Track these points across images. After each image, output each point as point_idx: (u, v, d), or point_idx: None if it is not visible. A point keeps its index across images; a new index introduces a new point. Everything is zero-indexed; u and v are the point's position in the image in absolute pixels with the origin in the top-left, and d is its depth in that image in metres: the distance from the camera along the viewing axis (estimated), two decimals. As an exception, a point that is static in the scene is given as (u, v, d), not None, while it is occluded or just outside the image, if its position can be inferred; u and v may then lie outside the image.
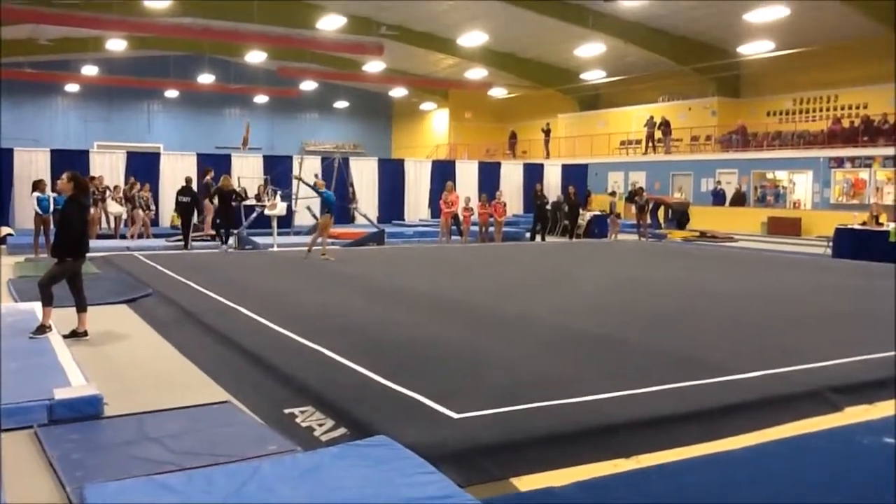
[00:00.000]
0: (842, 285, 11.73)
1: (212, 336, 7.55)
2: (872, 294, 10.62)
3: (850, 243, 16.74)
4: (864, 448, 4.65)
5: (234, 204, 16.92)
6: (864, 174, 23.12)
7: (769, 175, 26.48)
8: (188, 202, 16.90)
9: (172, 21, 28.03)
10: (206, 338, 7.56)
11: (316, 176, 16.35)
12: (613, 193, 23.87)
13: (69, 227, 7.31)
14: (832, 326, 8.30)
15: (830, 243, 17.51)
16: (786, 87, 27.42)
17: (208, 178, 18.26)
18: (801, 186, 25.37)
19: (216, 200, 16.85)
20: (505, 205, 21.05)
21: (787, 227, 22.79)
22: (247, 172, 21.34)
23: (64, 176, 7.50)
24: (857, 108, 25.21)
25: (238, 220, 17.45)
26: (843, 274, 13.32)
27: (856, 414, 5.33)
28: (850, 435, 4.88)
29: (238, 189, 18.06)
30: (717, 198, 26.55)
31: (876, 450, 4.60)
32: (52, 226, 13.23)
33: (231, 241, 16.54)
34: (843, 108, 25.92)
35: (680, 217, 25.11)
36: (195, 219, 17.45)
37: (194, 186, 17.55)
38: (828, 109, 26.49)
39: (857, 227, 17.37)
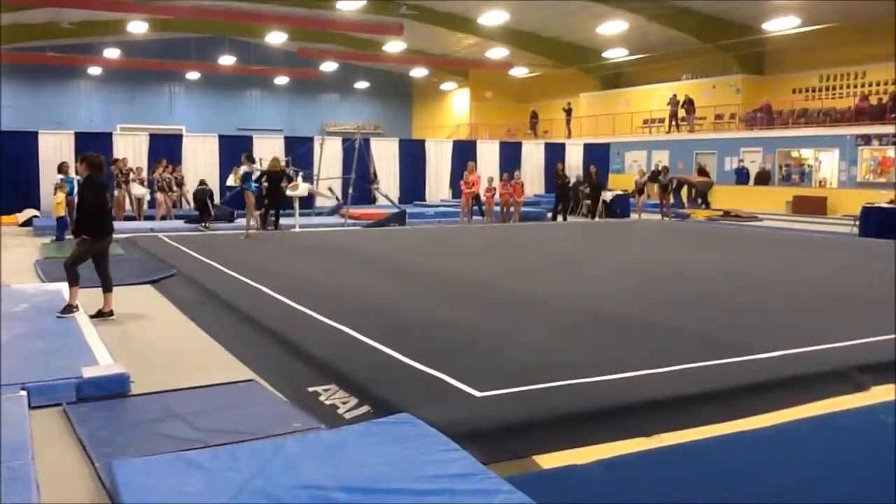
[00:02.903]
0: (868, 264, 11.58)
1: (235, 316, 7.62)
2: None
3: (876, 222, 16.51)
4: (890, 427, 4.60)
5: (282, 185, 16.85)
6: (891, 152, 22.73)
7: (794, 153, 26.14)
8: (206, 187, 17.10)
9: (193, 3, 28.07)
10: (230, 317, 7.62)
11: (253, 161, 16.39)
12: (654, 172, 23.30)
13: (82, 205, 7.47)
14: (858, 306, 8.20)
15: (857, 222, 17.29)
16: (812, 64, 26.98)
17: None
18: (828, 165, 25.02)
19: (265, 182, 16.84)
20: (523, 185, 20.96)
21: (813, 206, 22.52)
22: (267, 154, 21.36)
23: (78, 159, 7.63)
24: (886, 84, 24.74)
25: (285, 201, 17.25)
26: (870, 253, 13.15)
27: (882, 393, 5.27)
28: (877, 414, 4.83)
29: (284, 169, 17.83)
30: (741, 177, 26.26)
31: (903, 429, 4.55)
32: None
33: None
34: (870, 85, 25.47)
35: (703, 196, 24.92)
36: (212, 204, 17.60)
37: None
38: (855, 86, 26.05)
39: (884, 205, 17.13)
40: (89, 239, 7.41)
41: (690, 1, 26.00)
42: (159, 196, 18.32)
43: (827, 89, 27.07)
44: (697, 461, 4.09)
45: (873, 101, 24.28)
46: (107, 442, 4.27)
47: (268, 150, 21.46)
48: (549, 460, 4.11)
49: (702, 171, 25.98)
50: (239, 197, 19.33)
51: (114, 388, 5.13)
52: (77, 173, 12.24)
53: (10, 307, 7.47)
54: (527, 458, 4.14)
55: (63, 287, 7.94)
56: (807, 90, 27.68)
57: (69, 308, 7.24)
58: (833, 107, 25.81)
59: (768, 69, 29.26)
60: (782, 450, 4.21)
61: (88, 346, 6.05)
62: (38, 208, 18.17)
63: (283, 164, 17.91)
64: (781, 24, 23.88)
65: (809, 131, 25.16)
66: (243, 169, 15.84)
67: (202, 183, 17.75)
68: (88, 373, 5.19)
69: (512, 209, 20.39)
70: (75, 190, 14.25)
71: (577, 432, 4.40)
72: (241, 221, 17.72)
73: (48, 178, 17.89)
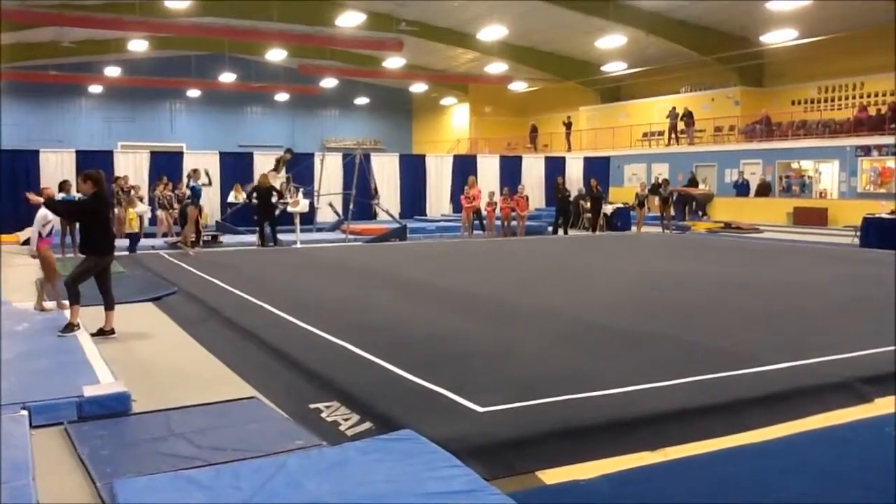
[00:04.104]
0: (870, 275, 11.56)
1: (237, 333, 7.60)
2: (902, 283, 10.45)
3: (878, 233, 16.52)
4: (894, 439, 4.58)
5: (273, 201, 16.90)
6: (891, 162, 22.76)
7: (794, 165, 26.17)
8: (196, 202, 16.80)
9: (193, 21, 28.22)
10: (232, 334, 7.61)
11: (195, 171, 16.50)
12: (654, 185, 23.44)
13: (79, 216, 7.57)
14: (861, 316, 8.18)
15: (858, 233, 17.29)
16: (810, 76, 27.06)
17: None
18: (828, 176, 25.05)
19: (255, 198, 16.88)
20: (527, 199, 20.99)
21: (814, 217, 22.52)
22: (268, 170, 21.42)
23: (79, 178, 7.64)
24: (884, 95, 24.80)
25: (276, 217, 17.32)
26: (872, 263, 13.13)
27: (886, 405, 5.25)
28: (881, 426, 4.81)
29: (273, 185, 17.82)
30: (741, 189, 26.25)
31: (908, 441, 4.53)
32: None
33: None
34: (869, 96, 25.53)
35: (703, 208, 24.96)
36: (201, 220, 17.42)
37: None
38: (854, 97, 26.12)
39: (885, 216, 17.12)
40: (94, 257, 7.42)
41: (690, 0, 26.10)
42: (160, 213, 18.34)
43: (825, 100, 27.13)
44: (702, 474, 4.06)
45: (872, 111, 24.34)
46: (108, 461, 4.25)
47: (268, 166, 21.60)
48: (552, 476, 4.09)
49: (692, 182, 26.06)
50: (241, 213, 19.44)
51: (115, 407, 5.12)
52: (78, 191, 12.28)
53: (11, 326, 7.48)
54: (530, 473, 4.12)
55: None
56: (805, 102, 27.74)
57: (70, 326, 7.24)
58: (832, 118, 25.86)
59: (767, 81, 29.35)
60: (787, 462, 4.19)
61: (90, 365, 6.04)
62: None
63: (276, 180, 17.89)
64: (779, 37, 23.95)
65: (809, 143, 25.21)
66: (192, 182, 15.85)
67: (189, 198, 17.41)
68: (90, 391, 5.17)
69: (514, 223, 20.41)
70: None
71: (580, 447, 4.39)
72: (239, 238, 17.78)
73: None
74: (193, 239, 15.54)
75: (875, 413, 5.08)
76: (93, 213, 7.46)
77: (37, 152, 19.76)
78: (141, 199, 18.62)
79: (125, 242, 15.08)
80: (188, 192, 16.19)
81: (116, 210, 17.29)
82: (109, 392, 5.22)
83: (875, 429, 4.77)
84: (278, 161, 18.59)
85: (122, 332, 7.60)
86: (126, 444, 4.62)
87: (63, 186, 14.90)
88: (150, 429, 4.85)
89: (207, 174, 16.39)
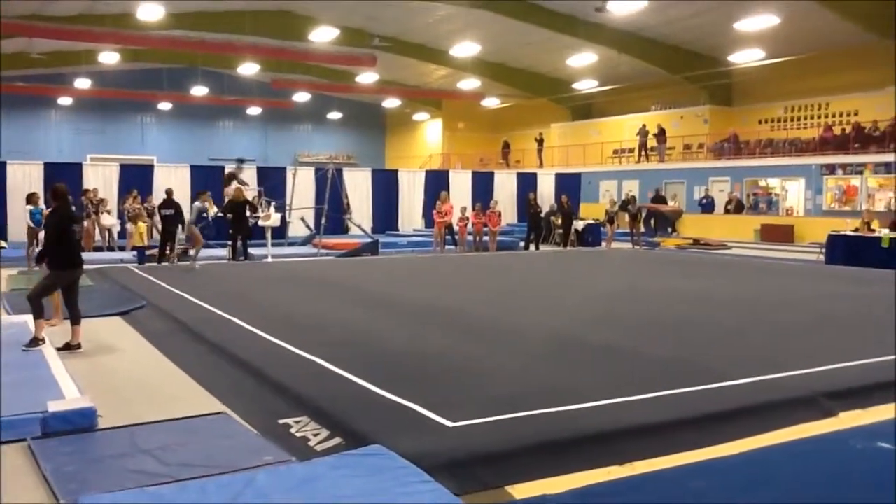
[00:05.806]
0: (835, 291, 11.76)
1: (206, 347, 7.54)
2: (865, 299, 10.66)
3: (842, 250, 16.80)
4: (858, 453, 4.66)
5: (248, 215, 16.81)
6: (855, 181, 23.23)
7: (762, 182, 26.59)
8: (171, 215, 16.34)
9: (165, 34, 28.05)
10: (201, 349, 7.54)
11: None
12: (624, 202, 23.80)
13: (47, 237, 7.50)
14: (825, 332, 8.32)
15: (823, 250, 17.58)
16: (777, 95, 27.55)
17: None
18: (794, 193, 25.48)
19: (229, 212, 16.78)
20: (500, 214, 21.09)
21: (780, 234, 22.88)
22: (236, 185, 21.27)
23: (49, 192, 7.61)
24: (849, 115, 25.33)
25: (250, 231, 17.20)
26: (837, 280, 13.36)
27: (850, 419, 5.34)
28: (845, 440, 4.89)
29: (247, 199, 17.66)
30: (706, 207, 26.57)
31: (870, 454, 4.61)
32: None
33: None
34: (834, 116, 26.04)
35: (672, 225, 25.24)
36: (180, 234, 17.10)
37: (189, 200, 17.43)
38: (819, 117, 26.62)
39: (849, 233, 17.44)
40: (58, 271, 7.33)
41: (658, 33, 26.49)
42: (130, 226, 18.14)
43: (792, 120, 27.63)
44: (669, 489, 4.10)
45: (837, 131, 24.83)
46: (72, 478, 4.19)
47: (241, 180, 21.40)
48: (522, 490, 4.10)
49: (658, 198, 26.35)
50: (211, 227, 19.25)
51: (80, 423, 5.04)
52: (48, 205, 12.12)
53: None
54: (500, 488, 4.13)
55: (29, 319, 7.81)
56: (772, 121, 28.21)
57: (35, 341, 7.12)
58: (798, 137, 26.33)
59: (735, 100, 29.82)
60: (753, 476, 4.24)
61: (55, 380, 5.95)
62: (4, 239, 17.89)
63: (247, 193, 17.79)
64: (747, 57, 24.40)
65: (776, 161, 25.64)
66: (195, 205, 15.80)
67: (168, 203, 16.39)
68: (54, 407, 5.09)
69: (486, 238, 20.48)
70: (43, 221, 14.13)
71: (550, 461, 4.40)
72: (209, 251, 17.62)
73: (16, 209, 17.66)
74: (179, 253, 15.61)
75: (839, 427, 5.16)
76: (55, 229, 7.37)
77: (3, 164, 19.49)
78: (109, 212, 18.44)
79: (94, 255, 14.91)
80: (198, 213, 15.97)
81: (85, 223, 17.06)
82: (74, 407, 5.14)
83: (839, 443, 4.85)
84: (231, 176, 18.46)
85: (88, 347, 7.49)
86: (91, 461, 4.54)
87: (31, 199, 14.71)
88: (115, 445, 4.78)
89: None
